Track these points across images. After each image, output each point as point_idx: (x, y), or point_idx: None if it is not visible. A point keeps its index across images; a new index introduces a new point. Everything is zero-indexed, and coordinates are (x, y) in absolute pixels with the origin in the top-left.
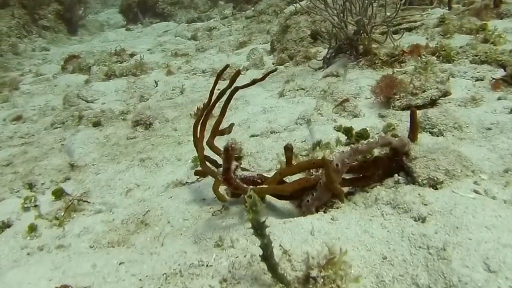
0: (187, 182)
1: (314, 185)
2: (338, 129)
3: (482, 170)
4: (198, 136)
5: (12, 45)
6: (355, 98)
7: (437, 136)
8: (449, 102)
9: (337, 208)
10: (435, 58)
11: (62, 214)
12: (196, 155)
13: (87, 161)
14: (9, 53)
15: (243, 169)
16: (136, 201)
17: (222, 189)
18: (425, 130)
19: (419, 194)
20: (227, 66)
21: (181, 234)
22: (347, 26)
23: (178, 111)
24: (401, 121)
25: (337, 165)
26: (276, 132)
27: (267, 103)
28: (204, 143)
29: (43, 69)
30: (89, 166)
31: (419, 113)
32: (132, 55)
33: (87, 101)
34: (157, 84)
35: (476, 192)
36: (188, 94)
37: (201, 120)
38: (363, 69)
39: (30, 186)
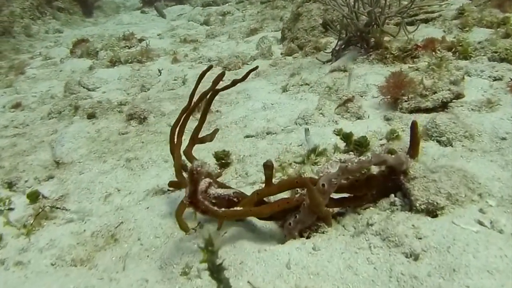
0: (168, 190)
1: (297, 206)
2: (338, 133)
3: (490, 193)
4: (175, 142)
5: (25, 27)
6: (361, 96)
7: (445, 145)
8: (462, 106)
9: (323, 232)
10: (451, 54)
11: (31, 222)
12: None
13: (74, 157)
14: (22, 35)
15: (221, 185)
16: (113, 209)
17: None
18: (432, 138)
19: (413, 225)
20: (210, 67)
21: (148, 256)
22: (358, 17)
23: (177, 104)
24: (407, 126)
25: (323, 185)
26: (273, 133)
27: (268, 99)
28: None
29: (53, 52)
30: (74, 164)
31: (427, 118)
32: (141, 40)
33: (88, 89)
34: (160, 73)
35: (480, 223)
36: (190, 85)
37: (178, 125)
38: (373, 63)
39: (10, 186)
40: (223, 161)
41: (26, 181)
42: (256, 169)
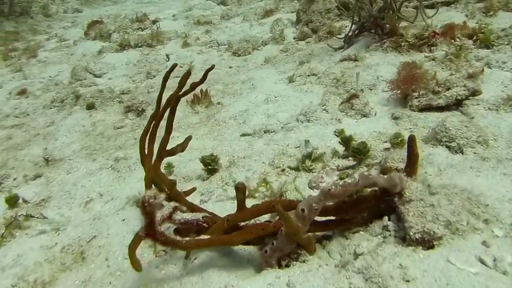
0: None
1: (275, 232)
2: (339, 133)
3: (499, 218)
4: (146, 153)
5: (43, 7)
6: (371, 90)
7: (456, 152)
8: (478, 104)
9: (304, 261)
10: (471, 42)
11: (2, 233)
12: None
13: (66, 153)
14: (40, 15)
15: (191, 206)
16: (91, 218)
17: None
18: (442, 143)
19: (400, 265)
20: (174, 66)
21: (110, 283)
22: (372, 1)
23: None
24: (416, 126)
25: (302, 210)
26: (271, 132)
27: (273, 90)
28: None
29: (68, 34)
30: (64, 161)
31: (438, 118)
32: (154, 21)
33: (94, 75)
34: (168, 58)
35: (481, 261)
36: (196, 72)
37: (148, 133)
38: (387, 52)
39: None
40: (209, 166)
41: (14, 179)
42: (245, 175)
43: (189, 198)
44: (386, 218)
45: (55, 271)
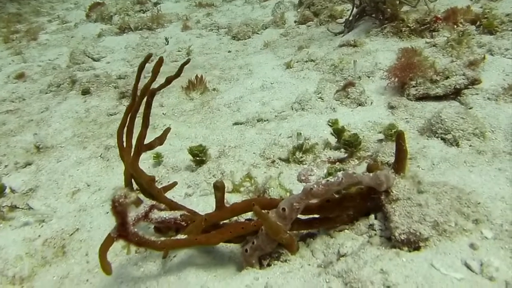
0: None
1: (256, 231)
2: (332, 124)
3: (489, 218)
4: (124, 146)
5: None
6: (368, 77)
7: (451, 144)
8: (477, 94)
9: (285, 261)
10: (474, 28)
11: None
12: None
13: (58, 140)
14: None
15: (170, 204)
16: (76, 209)
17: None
18: (437, 135)
19: (381, 270)
20: (149, 56)
21: (87, 280)
22: None
23: (174, 80)
24: (412, 116)
25: (283, 209)
26: (264, 121)
27: (270, 76)
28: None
29: (70, 16)
30: (55, 149)
31: (435, 108)
32: (156, 3)
33: (93, 59)
34: (167, 42)
35: (467, 266)
36: (194, 57)
37: (126, 126)
38: (387, 37)
39: None
40: (197, 158)
41: (6, 166)
42: (234, 166)
43: (176, 191)
44: (372, 216)
45: (35, 266)
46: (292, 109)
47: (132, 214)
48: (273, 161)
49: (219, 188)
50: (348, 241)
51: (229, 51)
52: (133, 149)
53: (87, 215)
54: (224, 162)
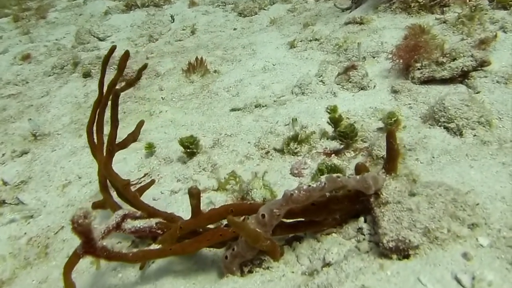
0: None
1: (235, 238)
2: (331, 111)
3: (487, 221)
4: (96, 143)
5: None
6: (373, 57)
7: (454, 134)
8: (485, 77)
9: (267, 268)
10: (487, 3)
11: None
12: None
13: (55, 127)
14: None
15: (148, 209)
16: (65, 204)
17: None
18: (439, 124)
19: (363, 286)
20: (113, 48)
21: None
22: None
23: (177, 60)
24: (416, 102)
25: (263, 216)
26: (262, 106)
27: (273, 57)
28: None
29: None
30: (52, 137)
31: (440, 92)
32: None
33: (98, 38)
34: (173, 20)
35: (458, 281)
36: (199, 35)
37: (95, 122)
38: (396, 13)
39: None
40: (188, 150)
41: (3, 155)
42: (227, 158)
43: (165, 185)
44: (362, 219)
45: (17, 267)
46: (292, 93)
47: (102, 226)
48: (267, 152)
49: (194, 195)
50: (335, 247)
51: (235, 29)
52: (105, 150)
53: (74, 211)
54: (217, 153)
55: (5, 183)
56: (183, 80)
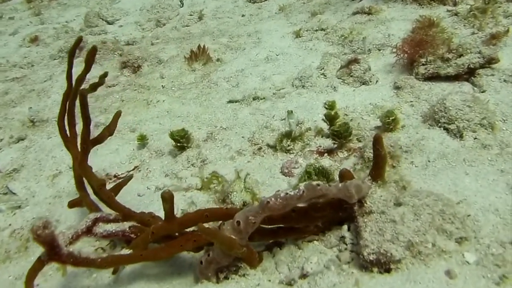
0: (115, 176)
1: (211, 243)
2: (329, 106)
3: (477, 235)
4: (68, 136)
5: None
6: (379, 50)
7: (454, 136)
8: (492, 75)
9: (243, 275)
10: None
11: None
12: None
13: (54, 113)
14: None
15: (123, 210)
16: (53, 195)
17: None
18: (439, 124)
19: None
20: (80, 39)
21: (37, 285)
22: None
23: (182, 47)
24: (418, 99)
25: (238, 223)
26: (261, 99)
27: (277, 46)
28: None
29: None
30: (50, 123)
31: (444, 90)
32: None
33: (107, 22)
34: (182, 4)
35: None
36: (206, 21)
37: (65, 115)
38: (406, 3)
39: None
40: (179, 144)
41: (1, 140)
42: (219, 153)
43: (153, 180)
44: (345, 227)
45: None
46: (292, 86)
47: (70, 231)
48: (259, 148)
49: (167, 199)
50: (315, 256)
51: (243, 15)
52: (79, 148)
53: (60, 203)
54: (209, 148)
55: None
56: (185, 68)
